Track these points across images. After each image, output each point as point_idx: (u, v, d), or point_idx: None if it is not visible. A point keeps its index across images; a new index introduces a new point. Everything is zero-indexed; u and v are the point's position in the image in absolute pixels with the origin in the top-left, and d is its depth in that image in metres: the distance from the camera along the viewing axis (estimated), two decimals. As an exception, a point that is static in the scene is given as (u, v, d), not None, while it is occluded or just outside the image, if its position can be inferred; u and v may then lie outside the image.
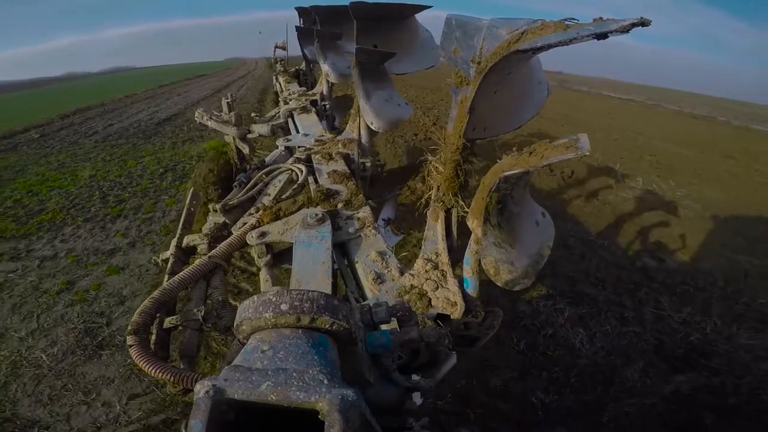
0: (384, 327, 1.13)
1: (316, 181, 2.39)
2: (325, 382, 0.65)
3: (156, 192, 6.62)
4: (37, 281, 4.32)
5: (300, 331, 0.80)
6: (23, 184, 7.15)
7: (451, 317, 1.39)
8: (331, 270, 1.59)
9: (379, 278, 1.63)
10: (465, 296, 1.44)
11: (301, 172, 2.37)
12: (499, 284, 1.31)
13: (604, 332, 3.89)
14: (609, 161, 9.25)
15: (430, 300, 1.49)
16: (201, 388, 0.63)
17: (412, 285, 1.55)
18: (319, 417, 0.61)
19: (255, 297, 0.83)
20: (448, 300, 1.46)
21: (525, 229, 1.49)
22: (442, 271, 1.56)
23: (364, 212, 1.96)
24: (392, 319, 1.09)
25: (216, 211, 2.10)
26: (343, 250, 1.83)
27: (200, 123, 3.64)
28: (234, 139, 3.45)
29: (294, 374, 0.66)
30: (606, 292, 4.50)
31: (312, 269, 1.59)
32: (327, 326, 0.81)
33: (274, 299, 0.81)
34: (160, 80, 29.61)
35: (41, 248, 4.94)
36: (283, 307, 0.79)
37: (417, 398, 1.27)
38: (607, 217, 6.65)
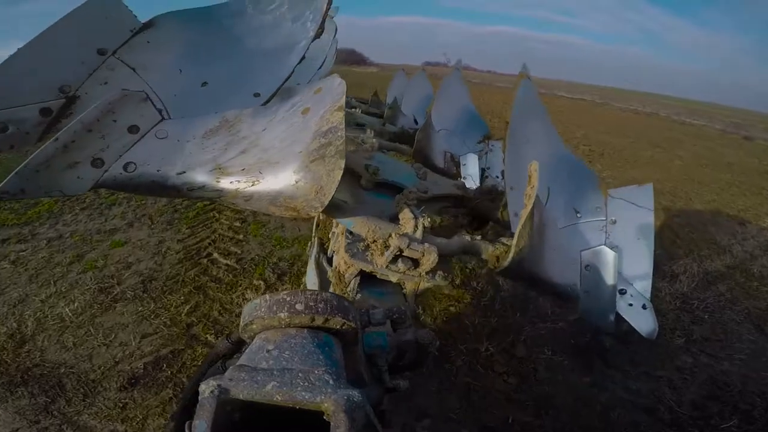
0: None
1: None
2: (331, 382, 0.66)
3: (143, 184, 7.19)
4: (48, 256, 4.97)
5: (305, 330, 0.80)
6: (10, 183, 7.61)
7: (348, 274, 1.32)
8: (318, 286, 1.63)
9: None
10: (349, 245, 1.34)
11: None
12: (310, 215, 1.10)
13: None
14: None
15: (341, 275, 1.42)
16: (206, 388, 0.63)
17: (332, 269, 1.50)
18: (324, 418, 0.61)
19: (267, 296, 0.83)
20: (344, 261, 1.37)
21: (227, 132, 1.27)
22: None
23: None
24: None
25: None
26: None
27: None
28: None
29: (300, 374, 0.67)
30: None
31: None
32: (338, 327, 0.82)
33: (288, 299, 0.81)
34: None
35: (45, 231, 5.56)
36: (299, 306, 0.80)
37: None
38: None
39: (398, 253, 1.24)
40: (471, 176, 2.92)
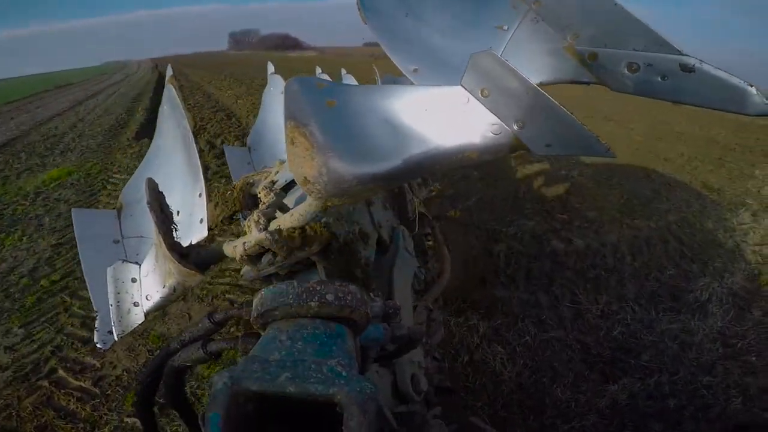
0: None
1: None
2: (344, 374, 0.64)
3: (-36, 253, 4.98)
4: None
5: (317, 320, 0.77)
6: None
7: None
8: None
9: None
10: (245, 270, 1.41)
11: None
12: None
13: (524, 345, 3.48)
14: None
15: None
16: (219, 380, 0.61)
17: None
18: (337, 409, 0.59)
19: (294, 282, 0.78)
20: None
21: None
22: None
23: None
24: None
25: None
26: None
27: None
28: None
29: (312, 365, 0.65)
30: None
31: None
32: (358, 318, 0.80)
33: (319, 288, 0.78)
34: (9, 96, 25.73)
35: None
36: (329, 297, 0.77)
37: None
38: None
39: (245, 258, 1.24)
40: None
